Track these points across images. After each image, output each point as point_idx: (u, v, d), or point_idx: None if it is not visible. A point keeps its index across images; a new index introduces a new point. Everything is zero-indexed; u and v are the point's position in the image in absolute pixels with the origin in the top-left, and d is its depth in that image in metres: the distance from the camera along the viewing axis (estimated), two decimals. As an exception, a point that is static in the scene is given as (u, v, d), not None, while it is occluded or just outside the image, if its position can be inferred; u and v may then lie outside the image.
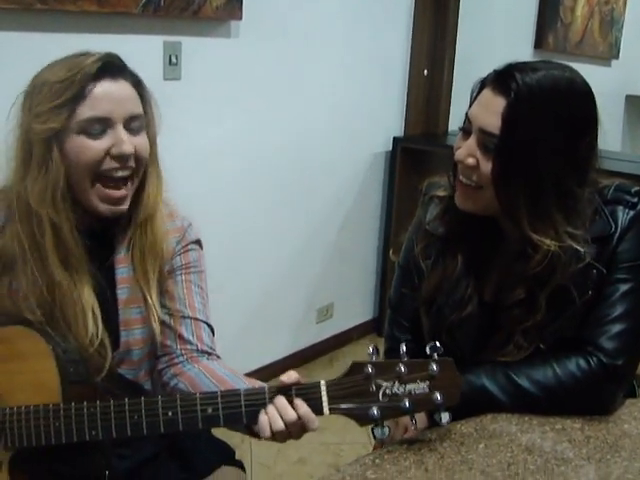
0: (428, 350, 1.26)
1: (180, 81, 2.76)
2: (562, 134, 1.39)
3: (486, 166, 1.42)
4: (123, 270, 1.51)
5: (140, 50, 2.53)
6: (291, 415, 1.25)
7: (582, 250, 1.43)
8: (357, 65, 3.58)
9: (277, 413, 1.26)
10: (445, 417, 1.25)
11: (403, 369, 1.23)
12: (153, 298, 1.50)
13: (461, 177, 1.48)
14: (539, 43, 4.83)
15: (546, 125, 1.38)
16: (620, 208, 1.49)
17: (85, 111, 1.37)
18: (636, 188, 1.51)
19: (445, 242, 1.59)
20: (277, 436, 1.28)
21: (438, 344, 1.26)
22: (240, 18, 2.86)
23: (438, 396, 1.23)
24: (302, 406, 1.26)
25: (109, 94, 1.39)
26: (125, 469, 1.55)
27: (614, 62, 6.06)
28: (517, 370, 1.45)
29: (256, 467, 2.89)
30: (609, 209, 1.49)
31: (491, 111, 1.40)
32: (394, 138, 3.86)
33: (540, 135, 1.38)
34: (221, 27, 2.87)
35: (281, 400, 1.26)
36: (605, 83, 5.63)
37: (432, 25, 3.89)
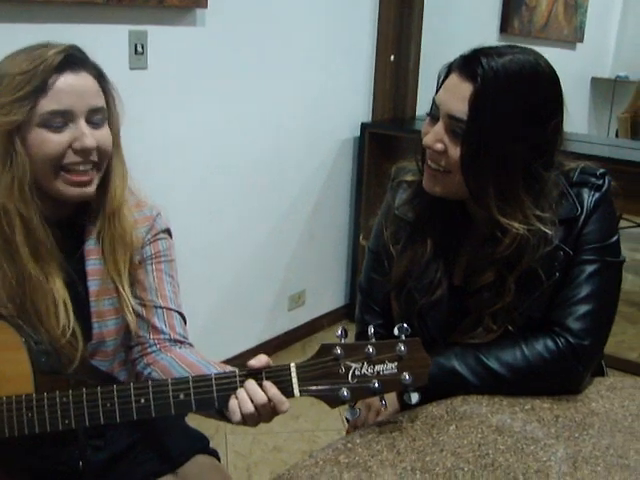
0: (396, 331, 1.27)
1: (147, 70, 2.74)
2: (528, 118, 1.41)
3: (454, 151, 1.43)
4: (94, 262, 1.50)
5: (105, 40, 2.51)
6: (261, 398, 1.26)
7: (550, 233, 1.45)
8: (324, 52, 3.58)
9: (247, 396, 1.26)
10: (414, 397, 1.26)
11: (371, 350, 1.25)
12: (125, 289, 1.50)
13: (429, 162, 1.49)
14: (504, 27, 4.86)
15: (512, 109, 1.39)
16: (586, 190, 1.50)
17: (47, 104, 1.36)
18: (601, 170, 1.53)
19: (414, 226, 1.60)
20: (248, 419, 1.28)
21: (406, 325, 1.27)
22: (205, 6, 2.85)
23: (407, 376, 1.24)
24: (271, 388, 1.26)
25: (71, 87, 1.38)
26: (99, 461, 1.55)
27: (579, 45, 6.12)
28: (487, 352, 1.46)
29: (232, 455, 2.90)
30: (575, 191, 1.50)
31: (458, 96, 1.41)
32: (362, 124, 3.87)
33: (506, 119, 1.39)
34: (187, 15, 2.85)
35: (251, 383, 1.27)
36: (570, 66, 5.71)
37: (398, 11, 3.89)
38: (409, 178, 1.65)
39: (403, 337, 1.27)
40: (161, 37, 2.77)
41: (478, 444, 1.30)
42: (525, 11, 5.03)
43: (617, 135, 6.24)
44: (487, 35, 4.73)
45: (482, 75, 1.38)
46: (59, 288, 1.43)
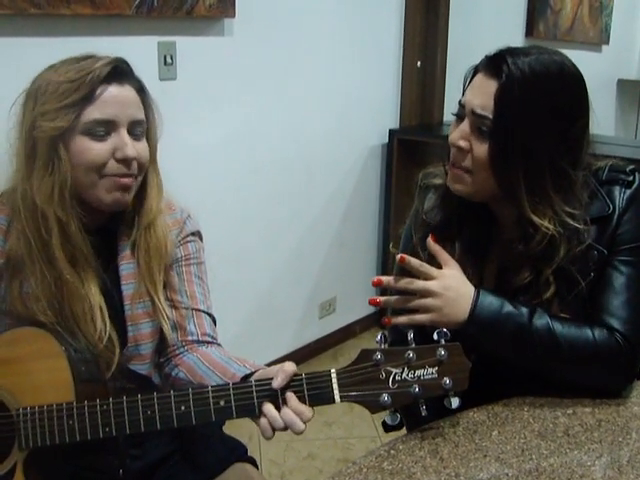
0: (435, 336, 1.27)
1: (176, 81, 2.76)
2: (554, 115, 1.41)
3: (479, 149, 1.43)
4: (127, 266, 1.52)
5: (135, 51, 2.50)
6: (284, 415, 1.26)
7: (581, 227, 1.44)
8: (351, 59, 3.59)
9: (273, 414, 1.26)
10: (455, 402, 1.26)
11: (412, 355, 1.24)
12: (161, 299, 1.52)
13: (453, 162, 1.48)
14: (530, 31, 4.85)
15: (538, 106, 1.40)
16: (616, 188, 1.49)
17: (92, 113, 1.39)
18: (631, 167, 1.52)
19: (442, 231, 1.59)
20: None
21: (445, 329, 1.27)
22: (233, 16, 2.86)
23: (447, 381, 1.24)
24: (291, 399, 1.26)
25: (116, 98, 1.41)
26: (137, 470, 1.56)
27: (604, 47, 6.08)
28: (559, 324, 1.42)
29: (266, 463, 2.90)
30: (605, 189, 1.49)
31: (483, 93, 1.41)
32: (390, 130, 3.87)
33: (532, 116, 1.39)
34: (215, 25, 2.87)
35: (269, 407, 1.27)
36: (596, 68, 5.67)
37: (424, 17, 3.89)
38: (436, 182, 1.65)
39: (443, 342, 1.26)
40: (190, 48, 2.78)
41: (521, 449, 1.29)
42: (550, 14, 5.01)
43: (645, 137, 6.21)
44: (513, 39, 4.71)
45: (507, 73, 1.39)
46: (95, 294, 1.45)
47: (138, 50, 2.59)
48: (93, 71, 1.39)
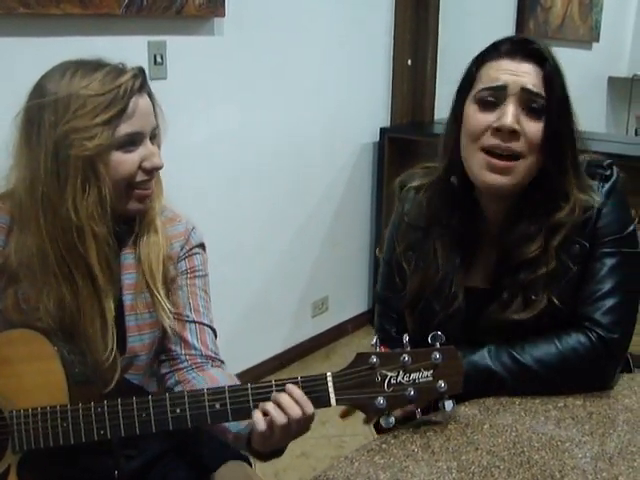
0: (430, 339, 1.28)
1: (166, 80, 2.76)
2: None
3: (531, 129, 1.43)
4: (129, 276, 1.50)
5: (125, 51, 2.48)
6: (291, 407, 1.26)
7: (596, 199, 1.48)
8: (341, 58, 3.59)
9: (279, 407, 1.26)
10: (449, 405, 1.27)
11: (407, 359, 1.25)
12: (160, 291, 1.50)
13: (501, 150, 1.44)
14: (520, 28, 4.84)
15: (567, 89, 1.45)
16: (595, 183, 1.51)
17: (125, 127, 1.37)
18: (608, 161, 1.54)
19: (426, 233, 1.60)
20: (276, 429, 1.28)
21: (440, 333, 1.28)
22: (223, 15, 2.87)
23: (442, 384, 1.25)
24: (294, 390, 1.27)
25: (142, 109, 1.40)
26: (132, 469, 1.56)
27: (595, 45, 6.08)
28: (520, 350, 1.45)
29: (259, 462, 2.88)
30: None
31: (528, 74, 1.43)
32: (381, 129, 3.88)
33: (568, 98, 1.46)
34: (205, 25, 2.87)
35: (284, 397, 1.27)
36: (587, 66, 5.68)
37: (414, 15, 3.89)
38: (416, 183, 1.66)
39: (438, 345, 1.27)
40: (180, 47, 2.78)
41: (513, 442, 1.29)
42: (540, 12, 5.02)
43: (636, 134, 6.22)
44: (502, 36, 4.71)
45: (547, 54, 1.44)
46: (111, 310, 1.44)
47: (128, 50, 2.58)
48: (123, 85, 1.36)
